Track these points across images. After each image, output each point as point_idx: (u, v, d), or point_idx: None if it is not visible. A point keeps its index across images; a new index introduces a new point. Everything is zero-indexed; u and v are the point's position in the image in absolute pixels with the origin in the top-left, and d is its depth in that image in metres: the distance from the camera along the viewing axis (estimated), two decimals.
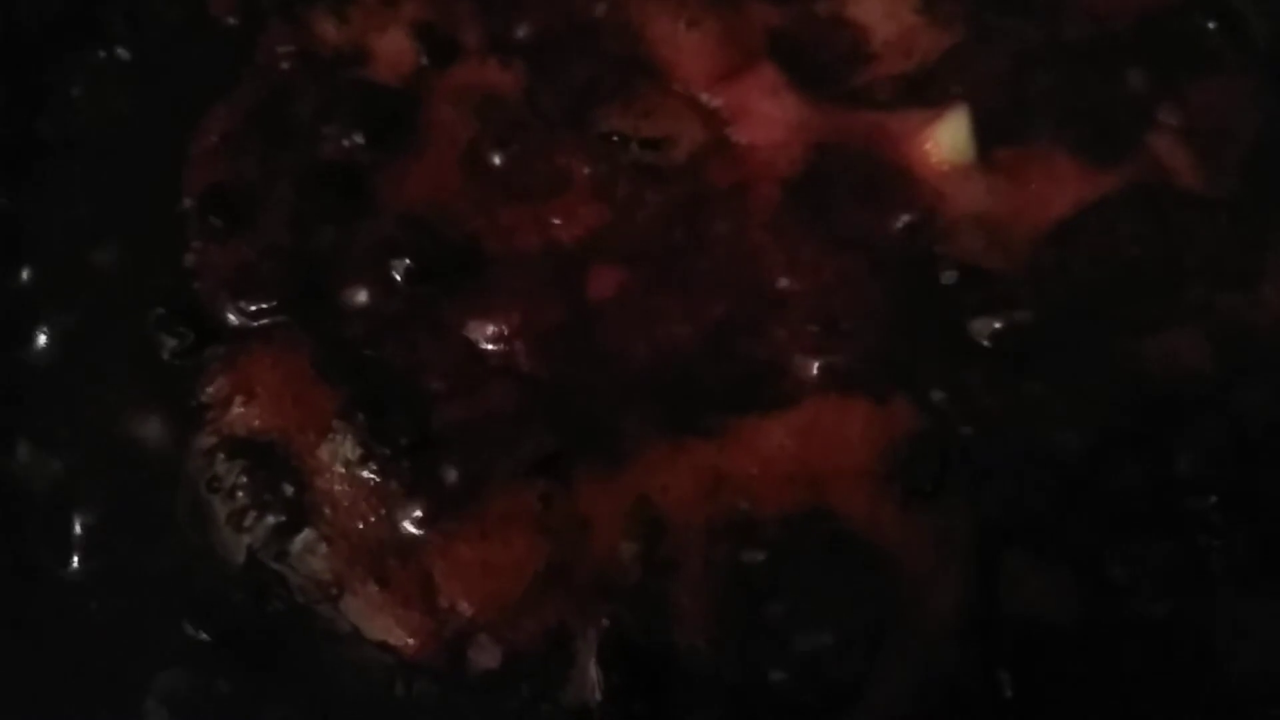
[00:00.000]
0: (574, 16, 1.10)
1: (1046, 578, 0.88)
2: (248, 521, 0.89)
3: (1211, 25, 1.11)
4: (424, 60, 1.07)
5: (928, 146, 1.03)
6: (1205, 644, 0.88)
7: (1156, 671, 0.87)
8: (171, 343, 0.95)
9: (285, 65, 1.07)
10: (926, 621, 0.86)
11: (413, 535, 0.88)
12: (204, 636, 0.86)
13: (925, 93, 1.06)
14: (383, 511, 0.88)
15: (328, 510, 0.88)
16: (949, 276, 0.98)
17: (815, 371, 0.93)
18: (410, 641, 0.85)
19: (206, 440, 0.92)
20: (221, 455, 0.91)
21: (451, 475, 0.89)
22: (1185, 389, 0.95)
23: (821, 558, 0.86)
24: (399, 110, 1.05)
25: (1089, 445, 0.92)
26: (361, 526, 0.88)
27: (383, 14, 1.09)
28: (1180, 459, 0.92)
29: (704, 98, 1.05)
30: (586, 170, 1.01)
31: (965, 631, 0.86)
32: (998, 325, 0.96)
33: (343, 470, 0.89)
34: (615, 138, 1.03)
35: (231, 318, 0.96)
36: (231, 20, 1.10)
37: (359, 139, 1.03)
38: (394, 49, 1.08)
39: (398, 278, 0.97)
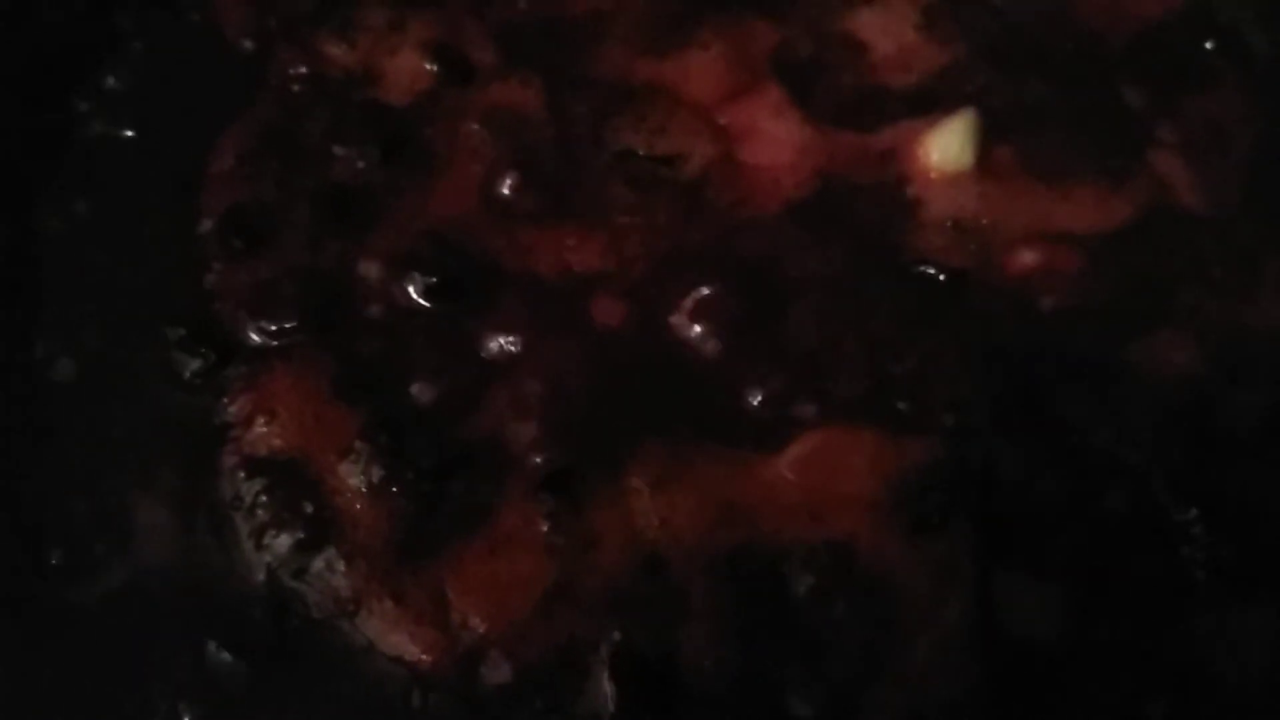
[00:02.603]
0: (583, 34, 1.12)
1: (1041, 597, 0.89)
2: (268, 539, 0.91)
3: (1208, 41, 1.12)
4: (437, 80, 1.09)
5: (921, 153, 1.04)
6: (1200, 657, 0.89)
7: (1154, 687, 0.88)
8: (193, 363, 0.97)
9: (297, 87, 1.09)
10: (926, 645, 0.87)
11: (427, 552, 0.89)
12: (224, 653, 0.88)
13: (924, 109, 1.07)
14: (400, 530, 0.90)
15: (347, 529, 0.90)
16: (951, 293, 1.00)
17: (821, 399, 0.94)
18: (424, 657, 0.87)
19: (228, 459, 0.94)
20: (242, 474, 0.93)
21: (466, 494, 0.91)
22: (1175, 398, 0.96)
23: (825, 585, 0.87)
24: (410, 129, 1.06)
25: (1084, 461, 0.94)
26: (379, 544, 0.90)
27: (390, 36, 1.11)
28: (1169, 471, 0.93)
29: (712, 116, 1.07)
30: (599, 191, 1.03)
31: (964, 652, 0.87)
32: (997, 342, 0.97)
33: (364, 490, 0.91)
34: (629, 155, 1.05)
35: (252, 337, 0.98)
36: (248, 44, 1.12)
37: (372, 159, 1.04)
38: (405, 69, 1.10)
39: (416, 296, 0.98)
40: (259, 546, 0.91)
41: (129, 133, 1.09)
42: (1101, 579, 0.91)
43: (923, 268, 1.01)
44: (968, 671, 0.87)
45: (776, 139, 1.05)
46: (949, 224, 1.02)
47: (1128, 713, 0.88)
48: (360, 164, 1.05)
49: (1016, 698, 0.88)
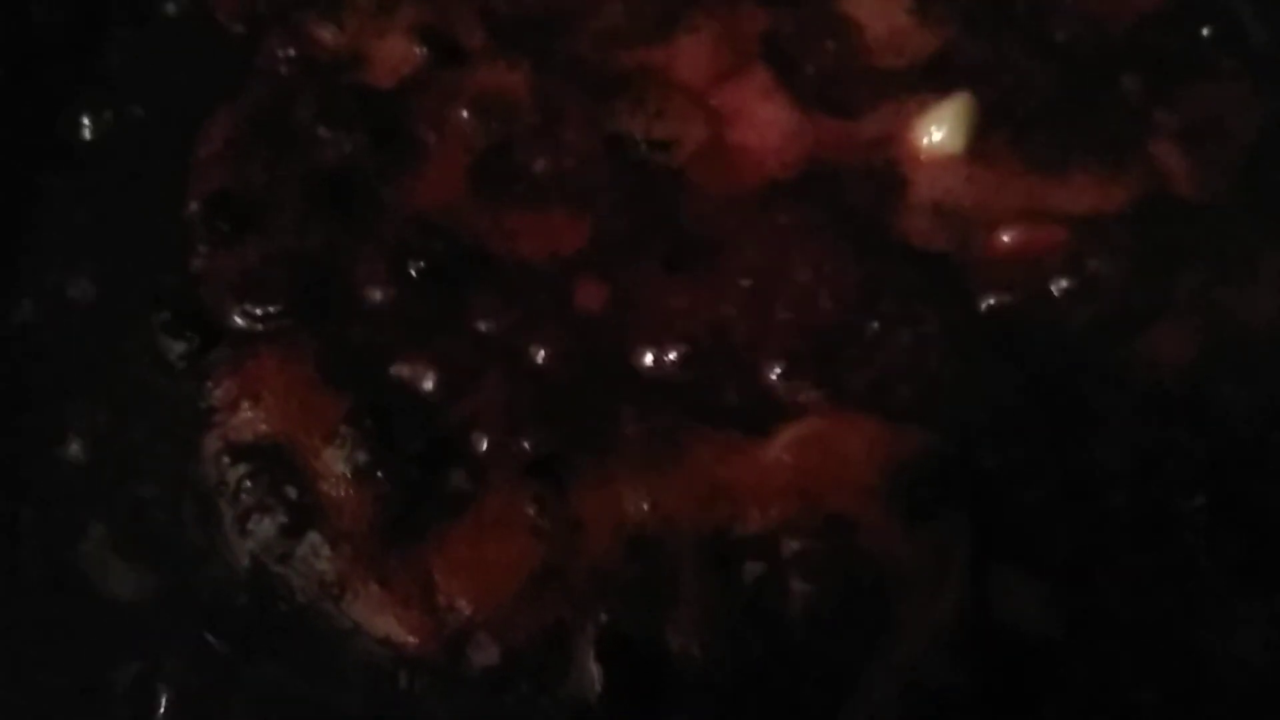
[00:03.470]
0: (574, 17, 1.11)
1: (1037, 588, 0.88)
2: (252, 524, 0.90)
3: (1206, 29, 1.11)
4: (427, 63, 1.08)
5: (911, 136, 1.04)
6: (1198, 648, 0.88)
7: (1151, 678, 0.88)
8: (178, 347, 0.97)
9: (285, 70, 1.09)
10: (918, 632, 0.86)
11: (413, 536, 0.89)
12: (209, 637, 0.87)
13: (915, 92, 1.07)
14: (386, 514, 0.89)
15: (332, 513, 0.90)
16: (938, 276, 0.98)
17: (812, 385, 0.93)
18: (411, 639, 0.87)
19: (213, 444, 0.93)
20: (227, 459, 0.92)
21: (451, 478, 0.90)
22: (1173, 391, 0.96)
23: (816, 571, 0.86)
24: (398, 113, 1.06)
25: (1081, 451, 0.93)
26: (364, 529, 0.89)
27: (379, 19, 1.11)
28: (1168, 461, 0.93)
29: (704, 99, 1.06)
30: (586, 176, 1.02)
31: (957, 642, 0.86)
32: (991, 331, 0.97)
33: (349, 475, 0.90)
34: (624, 139, 1.04)
35: (238, 321, 0.97)
36: (238, 27, 1.12)
37: (360, 142, 1.04)
38: (394, 53, 1.09)
39: (403, 281, 0.97)
40: (243, 531, 0.91)
41: (120, 116, 1.09)
42: (1098, 571, 0.90)
43: (907, 250, 1.00)
44: (960, 662, 0.86)
45: (765, 121, 1.05)
46: (934, 207, 1.01)
47: (1120, 703, 0.87)
48: (348, 148, 1.04)
49: (1009, 688, 0.87)
